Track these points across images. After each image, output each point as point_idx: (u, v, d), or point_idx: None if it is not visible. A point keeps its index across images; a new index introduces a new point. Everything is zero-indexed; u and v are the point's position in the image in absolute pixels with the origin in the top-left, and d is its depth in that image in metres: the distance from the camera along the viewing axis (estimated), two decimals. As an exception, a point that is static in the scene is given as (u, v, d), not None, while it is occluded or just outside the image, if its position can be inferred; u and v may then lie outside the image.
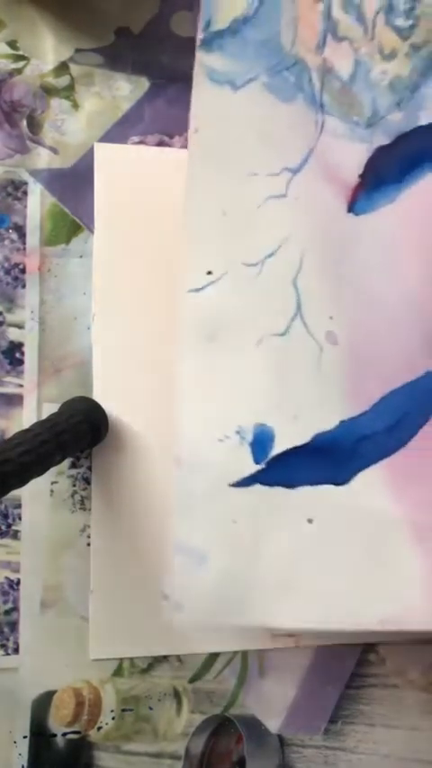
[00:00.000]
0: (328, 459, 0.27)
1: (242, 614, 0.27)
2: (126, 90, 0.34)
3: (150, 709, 0.32)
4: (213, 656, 0.32)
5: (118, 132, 0.34)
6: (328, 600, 0.27)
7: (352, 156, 0.29)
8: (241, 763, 0.32)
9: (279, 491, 0.27)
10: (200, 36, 0.28)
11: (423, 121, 0.29)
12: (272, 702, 0.33)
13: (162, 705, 0.32)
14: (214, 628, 0.29)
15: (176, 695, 0.32)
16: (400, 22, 0.29)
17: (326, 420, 0.27)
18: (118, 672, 0.32)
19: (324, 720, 0.33)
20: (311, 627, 0.27)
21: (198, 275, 0.28)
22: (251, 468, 0.27)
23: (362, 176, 0.29)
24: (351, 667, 0.33)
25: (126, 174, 0.33)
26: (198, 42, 0.28)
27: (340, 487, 0.27)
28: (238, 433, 0.27)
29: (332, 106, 0.29)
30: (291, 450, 0.27)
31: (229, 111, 0.28)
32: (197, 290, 0.28)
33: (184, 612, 0.27)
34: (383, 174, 0.29)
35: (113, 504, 0.32)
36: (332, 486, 0.27)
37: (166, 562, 0.32)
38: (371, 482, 0.27)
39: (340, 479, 0.27)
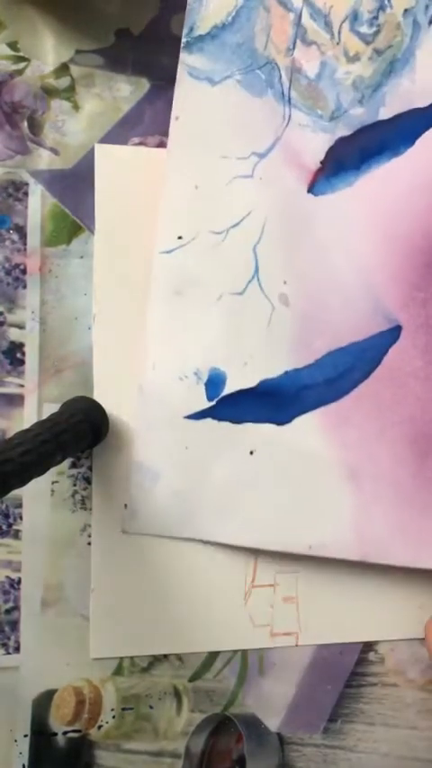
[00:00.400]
0: (271, 402, 0.32)
1: (187, 528, 0.32)
2: (126, 91, 0.34)
3: (151, 707, 0.32)
4: (213, 656, 0.33)
5: (118, 133, 0.34)
6: (263, 523, 0.32)
7: (314, 144, 0.33)
8: (241, 762, 0.32)
9: (226, 425, 0.32)
10: (183, 39, 0.32)
11: (383, 116, 0.33)
12: (272, 701, 0.33)
13: (162, 704, 0.32)
14: (163, 535, 0.32)
15: (177, 694, 0.32)
16: (364, 29, 0.33)
17: (272, 369, 0.32)
18: (118, 671, 0.32)
19: (324, 719, 0.33)
20: (247, 545, 0.32)
21: (170, 239, 0.32)
22: (204, 404, 0.32)
23: (323, 162, 0.33)
24: (350, 666, 0.33)
25: (126, 175, 0.33)
26: (182, 45, 0.32)
27: (280, 427, 0.32)
28: (195, 373, 0.32)
29: (299, 101, 0.33)
30: (239, 391, 0.32)
31: (206, 103, 0.32)
32: (168, 251, 0.32)
33: (137, 520, 0.32)
34: (343, 161, 0.33)
35: (114, 504, 0.32)
36: (274, 426, 0.32)
37: (166, 562, 0.32)
38: (308, 425, 0.32)
39: (281, 420, 0.32)
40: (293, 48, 0.33)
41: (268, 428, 0.32)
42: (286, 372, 0.32)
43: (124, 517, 0.32)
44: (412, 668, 0.34)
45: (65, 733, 0.32)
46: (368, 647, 0.33)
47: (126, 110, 0.34)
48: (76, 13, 0.34)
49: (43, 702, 0.32)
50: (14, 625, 0.32)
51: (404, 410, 0.33)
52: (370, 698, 0.33)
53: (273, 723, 0.33)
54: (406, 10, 0.33)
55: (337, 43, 0.33)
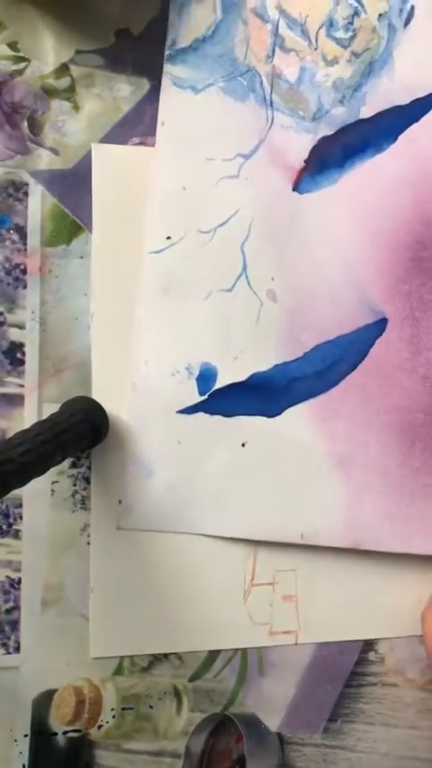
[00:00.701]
0: (261, 394, 0.33)
1: (181, 522, 0.32)
2: (126, 91, 0.34)
3: (151, 707, 0.32)
4: (213, 655, 0.33)
5: (118, 133, 0.34)
6: (256, 514, 0.32)
7: (298, 144, 0.34)
8: (241, 762, 0.33)
9: (218, 419, 0.33)
10: (166, 52, 0.34)
11: (365, 115, 0.34)
12: (272, 701, 0.33)
13: (162, 704, 0.32)
14: (158, 530, 0.32)
15: (177, 694, 0.32)
16: (340, 34, 0.34)
17: (262, 362, 0.33)
18: (118, 670, 0.32)
19: (323, 719, 0.33)
20: (240, 536, 0.32)
21: (159, 239, 0.33)
22: (196, 398, 0.33)
23: (306, 161, 0.34)
24: (350, 666, 0.33)
25: (123, 174, 0.34)
26: (165, 56, 0.34)
27: (271, 419, 0.33)
28: (187, 369, 0.33)
29: (281, 104, 0.34)
30: (230, 385, 0.33)
31: (190, 109, 0.34)
32: (157, 251, 0.33)
33: (132, 515, 0.32)
34: (327, 160, 0.34)
35: (113, 503, 0.32)
36: (264, 418, 0.33)
37: (165, 561, 0.32)
38: (298, 416, 0.33)
39: (272, 412, 0.33)
40: (273, 55, 0.34)
41: (259, 421, 0.33)
42: (276, 366, 0.33)
43: (119, 513, 0.32)
44: (412, 668, 0.34)
45: (65, 733, 0.32)
46: (368, 646, 0.34)
47: (126, 110, 0.34)
48: (76, 13, 0.34)
49: (43, 702, 0.32)
50: (14, 625, 0.32)
51: (391, 401, 0.33)
52: (370, 698, 0.33)
53: (273, 723, 0.33)
54: (380, 15, 0.34)
55: (315, 49, 0.34)
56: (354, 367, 0.33)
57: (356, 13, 0.34)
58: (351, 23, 0.34)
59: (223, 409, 0.33)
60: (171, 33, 0.34)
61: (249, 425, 0.33)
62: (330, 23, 0.34)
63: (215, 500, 0.32)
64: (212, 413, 0.33)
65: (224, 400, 0.33)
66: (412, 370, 0.33)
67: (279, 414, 0.33)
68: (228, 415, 0.33)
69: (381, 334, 0.34)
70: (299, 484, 0.33)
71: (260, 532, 0.32)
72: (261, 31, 0.34)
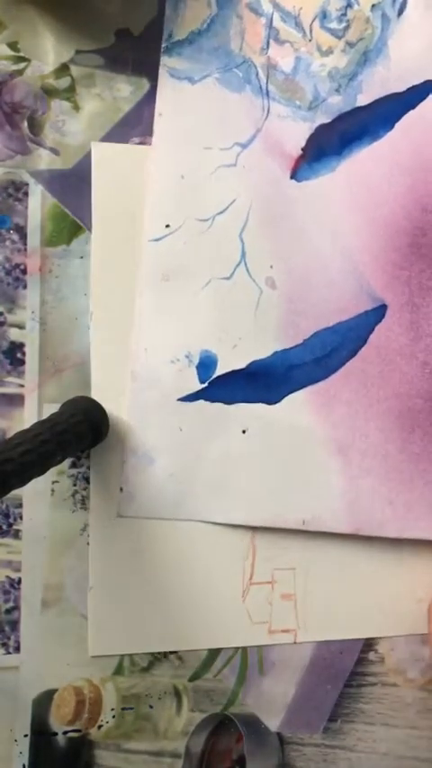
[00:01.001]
0: (261, 382, 0.33)
1: (183, 510, 0.32)
2: (126, 91, 0.34)
3: (151, 707, 0.32)
4: (213, 655, 0.33)
5: (118, 133, 0.34)
6: (257, 501, 0.33)
7: (295, 133, 0.34)
8: (241, 762, 0.33)
9: (219, 406, 0.33)
10: (163, 44, 0.34)
11: (361, 102, 0.35)
12: (272, 701, 0.33)
13: (162, 704, 0.32)
14: (159, 517, 0.33)
15: (177, 694, 0.32)
16: (334, 25, 0.35)
17: (261, 350, 0.33)
18: (118, 670, 0.32)
19: (323, 719, 0.33)
20: (242, 523, 0.33)
21: (158, 228, 0.33)
22: (196, 386, 0.33)
23: (304, 149, 0.34)
24: (350, 666, 0.33)
25: (123, 173, 0.34)
26: (162, 49, 0.34)
27: (271, 406, 0.33)
28: (186, 356, 0.33)
29: (277, 94, 0.34)
30: (230, 372, 0.33)
31: (187, 100, 0.34)
32: (156, 239, 0.33)
33: (134, 503, 0.32)
34: (324, 148, 0.34)
35: (112, 503, 0.32)
36: (264, 405, 0.33)
37: (164, 559, 0.32)
38: (298, 403, 0.33)
39: (271, 399, 0.33)
40: (267, 47, 0.34)
41: (259, 408, 0.33)
42: (275, 353, 0.33)
43: (120, 500, 0.32)
44: (412, 668, 0.34)
45: (65, 733, 0.32)
46: (368, 646, 0.34)
47: (126, 110, 0.34)
48: (76, 13, 0.34)
49: (43, 702, 0.32)
50: (14, 625, 0.32)
51: (390, 386, 0.34)
52: (370, 698, 0.33)
53: (273, 723, 0.33)
54: (373, 5, 0.35)
55: (310, 40, 0.35)
56: (353, 353, 0.34)
57: (349, 5, 0.35)
58: (344, 14, 0.35)
59: (223, 397, 0.33)
60: (167, 27, 0.34)
61: (250, 412, 0.33)
62: (324, 15, 0.34)
63: (216, 487, 0.33)
64: (213, 400, 0.33)
65: (224, 388, 0.33)
66: (412, 356, 0.34)
67: (279, 401, 0.33)
68: (228, 402, 0.33)
69: (380, 321, 0.34)
70: (299, 470, 0.33)
71: (262, 519, 0.33)
72: (255, 24, 0.34)
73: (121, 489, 0.32)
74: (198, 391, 0.33)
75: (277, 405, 0.33)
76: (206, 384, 0.33)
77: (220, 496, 0.33)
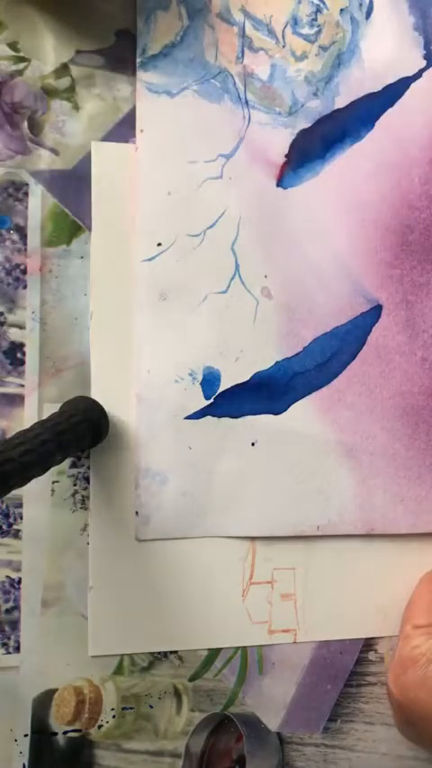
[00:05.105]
0: (266, 393, 0.33)
1: (199, 527, 0.33)
2: (126, 91, 0.34)
3: (151, 707, 0.32)
4: (213, 655, 0.33)
5: (118, 133, 0.34)
6: (270, 511, 0.33)
7: (277, 139, 0.34)
8: (241, 762, 0.33)
9: (226, 421, 0.33)
10: (138, 59, 0.34)
11: (339, 105, 0.35)
12: (271, 701, 0.33)
13: (162, 703, 0.32)
14: (176, 537, 0.33)
15: (177, 694, 0.32)
16: (306, 30, 0.35)
17: (263, 361, 0.33)
18: (118, 670, 0.32)
19: (323, 719, 0.33)
20: (258, 535, 0.33)
21: (150, 247, 0.33)
22: (202, 402, 0.33)
23: (287, 156, 0.34)
24: (350, 666, 0.33)
25: (123, 173, 0.34)
26: (137, 64, 0.34)
27: (278, 416, 0.33)
28: (190, 374, 0.33)
29: (256, 102, 0.35)
30: (234, 386, 0.33)
31: (167, 114, 0.34)
32: (149, 259, 0.33)
33: (150, 525, 0.32)
34: (307, 152, 0.35)
35: (112, 503, 0.32)
36: (271, 416, 0.33)
37: (164, 559, 0.32)
38: (304, 410, 0.33)
39: (277, 409, 0.33)
40: (242, 56, 0.34)
41: (266, 419, 0.33)
42: (277, 363, 0.34)
43: (137, 524, 0.32)
44: (412, 668, 0.34)
45: (65, 733, 0.32)
46: (368, 646, 0.34)
47: (126, 110, 0.34)
48: (76, 12, 0.34)
49: (43, 702, 0.32)
50: (14, 625, 0.32)
51: (392, 385, 0.34)
52: (369, 697, 0.33)
53: (273, 723, 0.33)
54: (341, 9, 0.35)
55: (283, 46, 0.35)
56: (353, 356, 0.34)
57: (319, 10, 0.35)
58: (315, 20, 0.35)
59: (230, 411, 0.33)
60: (140, 42, 0.34)
61: (257, 424, 0.33)
62: (295, 21, 0.35)
63: (230, 502, 0.33)
64: (220, 415, 0.33)
65: (230, 402, 0.33)
66: (411, 354, 0.34)
67: (285, 410, 0.33)
68: (235, 416, 0.33)
69: (377, 321, 0.34)
70: (310, 477, 0.33)
71: (277, 529, 0.33)
72: (228, 33, 0.34)
73: (137, 513, 0.32)
74: (204, 408, 0.33)
75: (283, 414, 0.33)
76: (212, 400, 0.33)
77: (234, 510, 0.33)
